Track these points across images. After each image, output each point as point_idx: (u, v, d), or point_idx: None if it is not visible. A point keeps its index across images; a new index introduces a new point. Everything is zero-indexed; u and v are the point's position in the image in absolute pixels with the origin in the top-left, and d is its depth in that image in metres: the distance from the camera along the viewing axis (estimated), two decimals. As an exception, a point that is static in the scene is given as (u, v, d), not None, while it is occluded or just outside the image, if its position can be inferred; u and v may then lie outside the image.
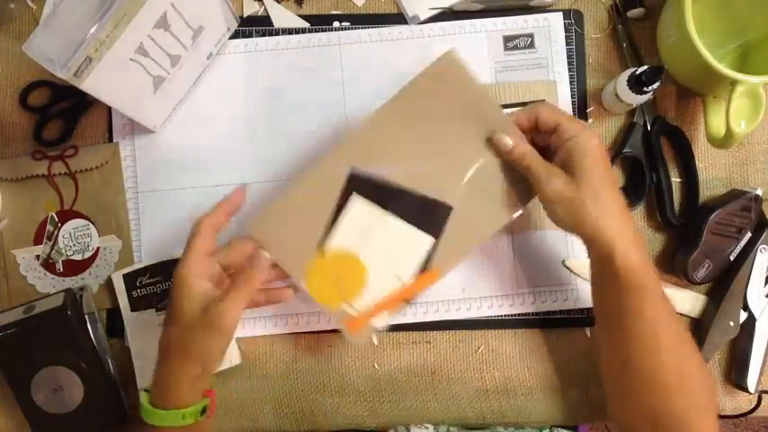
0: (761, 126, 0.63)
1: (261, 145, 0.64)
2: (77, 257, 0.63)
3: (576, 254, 0.63)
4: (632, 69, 0.58)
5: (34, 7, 0.66)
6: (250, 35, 0.65)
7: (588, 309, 0.62)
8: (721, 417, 0.62)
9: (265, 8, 0.66)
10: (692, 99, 0.64)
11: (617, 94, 0.59)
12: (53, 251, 0.63)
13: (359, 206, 0.54)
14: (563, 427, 0.66)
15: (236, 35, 0.65)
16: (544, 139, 0.54)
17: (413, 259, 0.54)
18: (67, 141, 0.64)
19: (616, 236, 0.49)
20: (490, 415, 0.63)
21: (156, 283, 0.61)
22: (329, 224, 0.54)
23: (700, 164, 0.63)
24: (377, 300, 0.54)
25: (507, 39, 0.65)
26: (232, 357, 0.60)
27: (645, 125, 0.63)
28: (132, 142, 0.64)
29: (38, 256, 0.63)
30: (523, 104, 0.63)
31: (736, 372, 0.61)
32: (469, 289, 0.63)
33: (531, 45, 0.65)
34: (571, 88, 0.65)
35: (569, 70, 0.65)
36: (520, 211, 0.55)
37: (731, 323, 0.60)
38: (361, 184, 0.54)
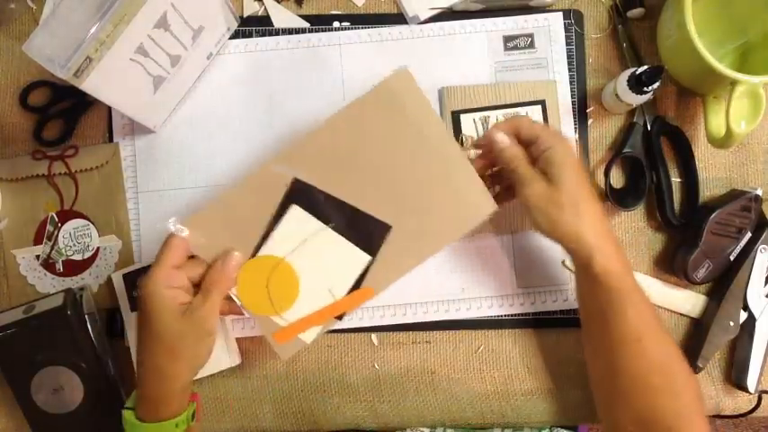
0: (761, 126, 0.63)
1: (261, 145, 0.64)
2: (77, 257, 0.63)
3: (575, 254, 0.63)
4: (632, 69, 0.58)
5: (34, 7, 0.66)
6: (250, 35, 0.65)
7: (588, 309, 0.62)
8: (721, 417, 0.62)
9: (265, 8, 0.66)
10: (692, 99, 0.64)
11: (617, 94, 0.59)
12: (53, 251, 0.63)
13: (297, 217, 0.53)
14: (563, 427, 0.66)
15: (236, 35, 0.65)
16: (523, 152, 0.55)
17: (347, 275, 0.54)
18: (67, 141, 0.64)
19: (594, 241, 0.51)
20: (490, 415, 0.63)
21: (156, 283, 0.61)
22: (266, 232, 0.53)
23: (700, 164, 0.63)
24: (307, 313, 0.54)
25: (507, 39, 0.65)
26: (232, 357, 0.60)
27: (645, 125, 0.63)
28: (132, 142, 0.64)
29: (38, 256, 0.63)
30: (523, 104, 0.63)
31: (736, 372, 0.61)
32: (469, 289, 0.63)
33: (531, 45, 0.65)
34: (571, 88, 0.65)
35: (569, 70, 0.65)
36: (474, 224, 0.55)
37: (731, 323, 0.60)
38: (301, 195, 0.53)
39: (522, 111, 0.63)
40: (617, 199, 0.62)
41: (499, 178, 0.59)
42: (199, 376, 0.60)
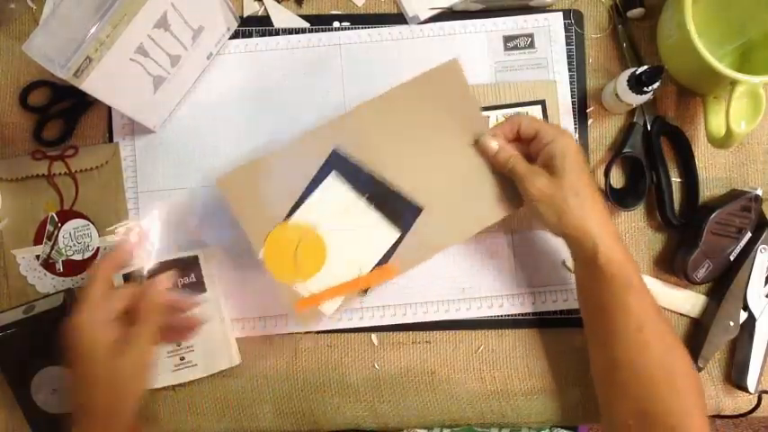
0: (761, 126, 0.63)
1: (261, 145, 0.64)
2: (77, 257, 0.63)
3: (575, 254, 0.63)
4: (632, 69, 0.58)
5: (34, 7, 0.66)
6: (250, 35, 0.65)
7: (588, 309, 0.62)
8: (721, 417, 0.62)
9: (265, 8, 0.66)
10: (692, 99, 0.64)
11: (617, 94, 0.59)
12: (53, 251, 0.63)
13: (334, 184, 0.54)
14: (563, 427, 0.66)
15: (236, 35, 0.65)
16: (525, 150, 0.55)
17: (375, 249, 0.54)
18: (67, 141, 0.64)
19: (599, 232, 0.51)
20: (490, 415, 0.63)
21: (156, 283, 0.61)
22: (301, 196, 0.53)
23: (700, 164, 0.63)
24: (332, 284, 0.54)
25: (507, 39, 0.65)
26: (232, 357, 0.60)
27: (645, 125, 0.63)
28: (132, 142, 0.64)
29: (38, 256, 0.63)
30: (523, 104, 0.63)
31: (736, 372, 0.61)
32: (469, 289, 0.63)
33: (531, 45, 0.65)
34: (571, 88, 0.65)
35: (569, 70, 0.65)
36: (500, 217, 0.56)
37: (731, 323, 0.60)
38: (341, 164, 0.54)
39: (522, 111, 0.63)
40: (617, 199, 0.62)
41: None
42: (199, 376, 0.60)
